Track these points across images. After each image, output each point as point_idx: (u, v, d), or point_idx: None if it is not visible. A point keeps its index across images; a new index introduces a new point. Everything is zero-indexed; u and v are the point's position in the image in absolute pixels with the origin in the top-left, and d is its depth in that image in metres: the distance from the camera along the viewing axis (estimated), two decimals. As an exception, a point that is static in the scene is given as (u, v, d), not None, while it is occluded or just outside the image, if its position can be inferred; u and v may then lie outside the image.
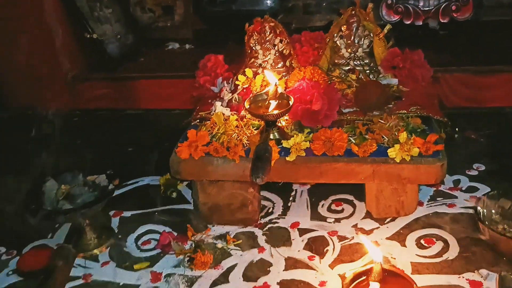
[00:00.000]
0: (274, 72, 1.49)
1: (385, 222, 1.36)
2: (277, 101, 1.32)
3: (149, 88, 2.19)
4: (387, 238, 1.30)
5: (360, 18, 1.54)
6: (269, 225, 1.39)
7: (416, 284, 1.05)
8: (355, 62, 1.55)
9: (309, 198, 1.49)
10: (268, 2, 2.38)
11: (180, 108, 2.09)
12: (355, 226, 1.36)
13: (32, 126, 2.14)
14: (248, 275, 1.22)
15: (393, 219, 1.36)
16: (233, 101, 1.49)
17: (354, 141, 1.30)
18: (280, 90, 1.36)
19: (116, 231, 1.43)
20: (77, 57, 2.26)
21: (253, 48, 1.55)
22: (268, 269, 1.24)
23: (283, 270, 1.23)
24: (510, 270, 1.11)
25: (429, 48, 1.68)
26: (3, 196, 1.62)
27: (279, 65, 1.56)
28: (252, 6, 2.38)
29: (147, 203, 1.54)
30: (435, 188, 1.47)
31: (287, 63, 1.56)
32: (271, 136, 1.32)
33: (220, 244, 1.33)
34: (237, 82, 1.52)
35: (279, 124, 1.37)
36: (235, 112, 1.43)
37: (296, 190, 1.53)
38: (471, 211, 1.35)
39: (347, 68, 1.56)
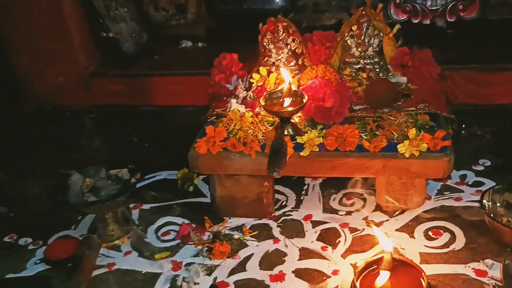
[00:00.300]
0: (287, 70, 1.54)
1: (394, 214, 1.41)
2: (291, 98, 1.37)
3: (162, 85, 2.24)
4: (396, 230, 1.36)
5: (370, 18, 1.59)
6: (283, 218, 1.45)
7: (424, 273, 1.10)
8: (365, 61, 1.60)
9: (321, 192, 1.54)
10: (279, 1, 2.41)
11: (193, 104, 2.14)
12: (365, 218, 1.41)
13: (50, 121, 2.22)
14: (264, 264, 1.28)
15: (402, 212, 1.42)
16: (248, 98, 1.54)
17: (365, 137, 1.36)
18: (293, 88, 1.41)
19: (136, 223, 1.49)
20: (94, 54, 2.31)
21: (267, 47, 1.60)
22: (283, 258, 1.30)
23: (298, 260, 1.29)
24: (514, 259, 1.17)
25: (437, 46, 1.72)
26: (26, 190, 1.69)
27: (292, 64, 1.60)
28: (263, 5, 2.42)
29: (165, 196, 1.59)
30: (442, 183, 1.52)
31: (300, 62, 1.60)
32: (286, 132, 1.38)
33: (236, 235, 1.39)
34: (251, 80, 1.57)
35: (293, 121, 1.43)
36: (249, 109, 1.48)
37: (308, 184, 1.58)
38: (477, 204, 1.40)
39: (357, 66, 1.60)
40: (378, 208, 1.45)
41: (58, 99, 2.29)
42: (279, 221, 1.44)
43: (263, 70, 1.57)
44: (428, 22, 2.20)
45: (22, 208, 1.60)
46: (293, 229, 1.40)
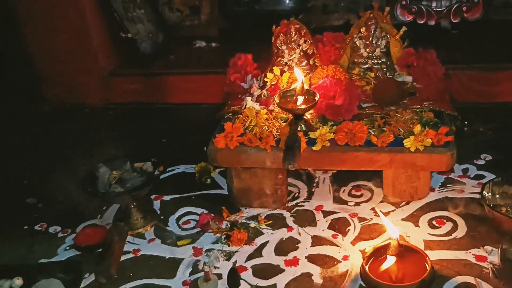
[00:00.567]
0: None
1: (400, 205, 1.49)
2: (304, 96, 1.46)
3: (178, 83, 2.31)
4: (402, 219, 1.44)
5: (378, 21, 1.66)
6: (296, 208, 1.54)
7: (428, 257, 1.19)
8: (373, 61, 1.68)
9: (331, 185, 1.63)
10: (289, 2, 2.49)
11: (207, 102, 2.21)
12: (373, 208, 1.50)
13: (71, 118, 2.31)
14: (279, 250, 1.37)
15: (408, 203, 1.50)
16: (262, 96, 1.62)
17: (373, 133, 1.44)
18: (305, 86, 1.50)
19: (158, 213, 1.58)
20: (113, 54, 2.40)
21: (280, 48, 1.67)
22: (296, 245, 1.38)
23: (310, 246, 1.37)
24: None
25: (441, 46, 1.79)
26: (53, 182, 1.79)
27: (303, 64, 1.67)
28: (273, 6, 2.49)
29: (184, 188, 1.68)
30: (445, 176, 1.60)
31: (311, 62, 1.68)
32: (299, 128, 1.47)
33: (252, 224, 1.48)
34: (265, 79, 1.64)
35: (305, 117, 1.52)
36: (264, 106, 1.56)
37: (319, 177, 1.67)
38: (478, 196, 1.47)
39: (365, 66, 1.68)
40: (385, 199, 1.53)
41: (78, 97, 2.37)
42: (292, 211, 1.52)
43: (276, 70, 1.64)
44: (433, 23, 2.24)
45: (50, 199, 1.69)
46: (306, 219, 1.49)
